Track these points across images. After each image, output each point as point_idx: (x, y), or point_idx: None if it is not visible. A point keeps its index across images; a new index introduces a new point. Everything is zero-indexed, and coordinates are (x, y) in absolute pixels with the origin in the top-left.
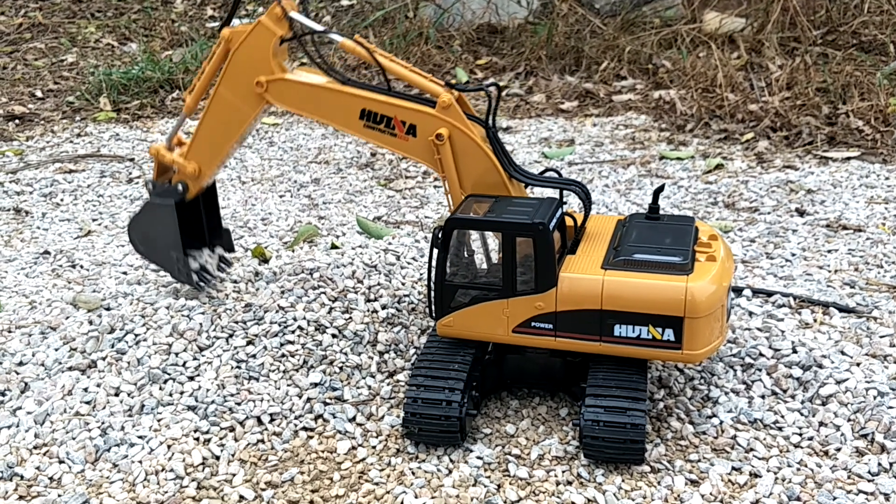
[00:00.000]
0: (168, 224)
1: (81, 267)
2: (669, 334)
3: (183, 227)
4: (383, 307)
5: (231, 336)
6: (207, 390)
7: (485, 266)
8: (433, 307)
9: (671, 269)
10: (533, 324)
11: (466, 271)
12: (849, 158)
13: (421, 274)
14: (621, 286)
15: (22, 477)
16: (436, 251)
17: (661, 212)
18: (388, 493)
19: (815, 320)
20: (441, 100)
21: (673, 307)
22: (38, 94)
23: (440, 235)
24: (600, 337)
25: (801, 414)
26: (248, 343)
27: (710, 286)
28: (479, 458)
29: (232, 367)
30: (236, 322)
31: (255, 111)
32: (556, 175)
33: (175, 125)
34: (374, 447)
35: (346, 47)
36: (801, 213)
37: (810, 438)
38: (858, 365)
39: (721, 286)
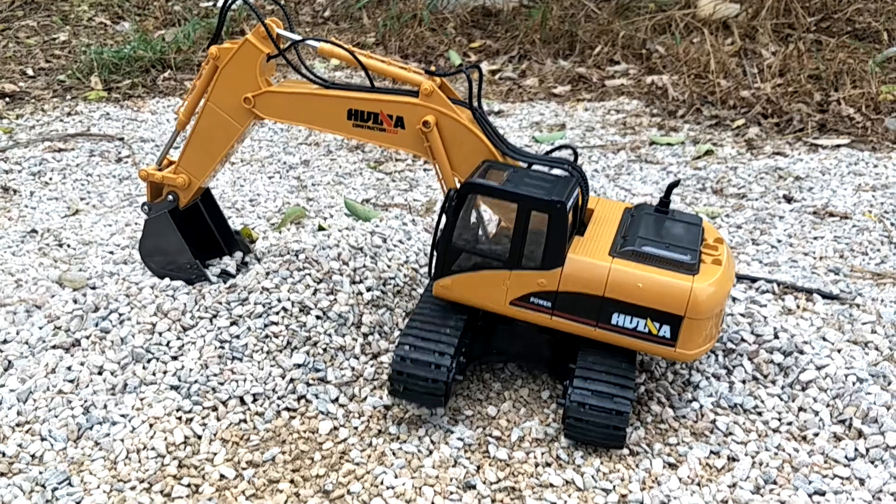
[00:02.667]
0: (168, 232)
1: (68, 246)
2: (666, 331)
3: (185, 233)
4: (368, 289)
5: (215, 316)
6: (191, 370)
7: (492, 234)
8: (433, 267)
9: (679, 267)
10: (532, 299)
11: (472, 237)
12: (839, 146)
13: (407, 257)
14: (627, 276)
15: (3, 454)
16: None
17: (651, 201)
18: (368, 473)
19: (798, 306)
20: (423, 88)
21: (675, 305)
22: (30, 72)
23: (455, 197)
24: (597, 322)
25: (781, 399)
26: (232, 324)
27: (714, 289)
28: (459, 439)
29: (215, 348)
30: (220, 303)
31: (243, 125)
32: (571, 152)
33: (166, 145)
34: (355, 428)
35: (324, 52)
36: (789, 199)
37: (789, 423)
38: (839, 351)
39: (723, 291)
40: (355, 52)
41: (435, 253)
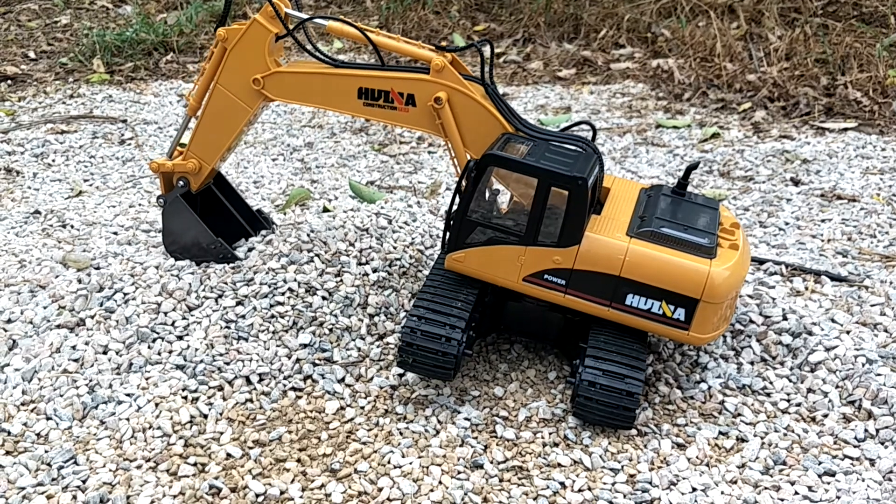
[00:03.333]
0: (185, 216)
1: (72, 227)
2: (680, 314)
3: (209, 222)
4: (374, 271)
5: (220, 296)
6: (196, 349)
7: (508, 208)
8: (447, 239)
9: (697, 251)
10: (546, 276)
11: (488, 210)
12: (846, 129)
13: (413, 238)
14: (644, 257)
15: (9, 433)
16: (463, 184)
17: (661, 182)
18: (375, 452)
19: (806, 288)
20: (434, 63)
21: (692, 288)
22: (32, 55)
23: (474, 169)
24: (611, 302)
25: (790, 380)
26: (238, 303)
27: (731, 274)
28: (466, 419)
29: (221, 327)
30: (226, 283)
31: (253, 107)
32: (590, 127)
33: (177, 134)
34: (362, 408)
35: (333, 30)
36: (796, 182)
37: (798, 404)
38: (848, 333)
39: (739, 276)
40: (365, 29)
41: (449, 225)
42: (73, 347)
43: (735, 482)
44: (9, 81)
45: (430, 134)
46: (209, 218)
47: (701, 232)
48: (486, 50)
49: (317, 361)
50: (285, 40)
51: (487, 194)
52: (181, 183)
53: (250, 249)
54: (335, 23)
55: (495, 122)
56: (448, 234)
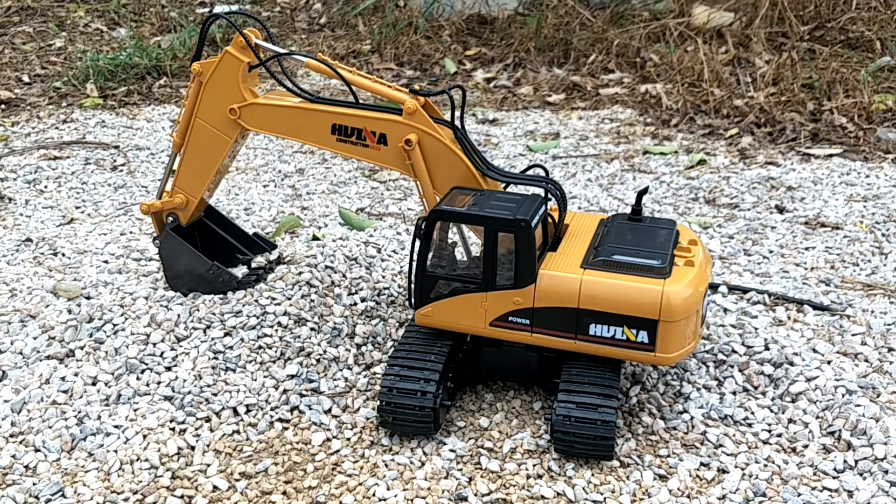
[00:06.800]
0: (179, 249)
1: (63, 255)
2: (643, 336)
3: (210, 256)
4: (363, 300)
5: (209, 327)
6: (184, 381)
7: (465, 258)
8: (412, 297)
9: (649, 272)
10: (510, 318)
11: (447, 263)
12: (831, 156)
13: (401, 267)
14: (599, 286)
15: None
16: (418, 241)
17: (645, 211)
18: (360, 484)
19: (788, 318)
20: (406, 106)
21: (648, 310)
22: (25, 78)
23: (423, 226)
24: (576, 335)
25: (771, 411)
26: (226, 334)
27: (686, 291)
28: (451, 450)
29: (209, 359)
30: (214, 313)
31: (232, 137)
32: (542, 171)
33: (164, 174)
34: (348, 439)
35: (311, 66)
36: (781, 210)
37: (779, 435)
38: (829, 363)
39: (697, 291)
40: (338, 68)
41: (412, 283)
42: (63, 378)
43: None
44: (2, 106)
45: (401, 173)
46: (208, 251)
47: (652, 253)
48: (458, 95)
49: (304, 392)
50: (262, 72)
51: (442, 247)
52: (171, 219)
53: (253, 270)
54: (313, 61)
55: (462, 165)
56: (412, 291)
